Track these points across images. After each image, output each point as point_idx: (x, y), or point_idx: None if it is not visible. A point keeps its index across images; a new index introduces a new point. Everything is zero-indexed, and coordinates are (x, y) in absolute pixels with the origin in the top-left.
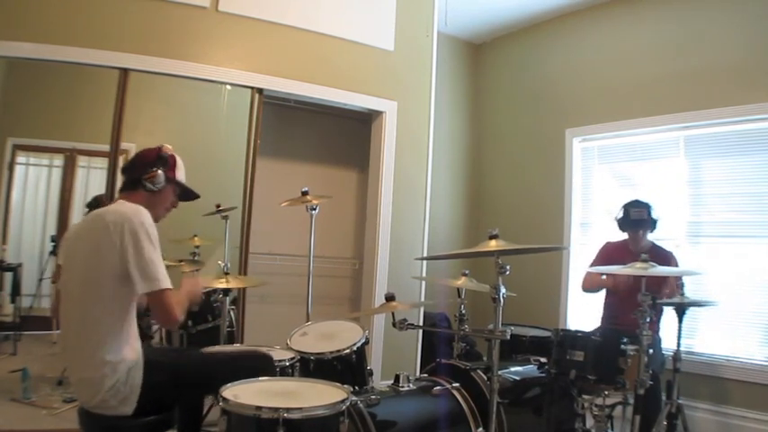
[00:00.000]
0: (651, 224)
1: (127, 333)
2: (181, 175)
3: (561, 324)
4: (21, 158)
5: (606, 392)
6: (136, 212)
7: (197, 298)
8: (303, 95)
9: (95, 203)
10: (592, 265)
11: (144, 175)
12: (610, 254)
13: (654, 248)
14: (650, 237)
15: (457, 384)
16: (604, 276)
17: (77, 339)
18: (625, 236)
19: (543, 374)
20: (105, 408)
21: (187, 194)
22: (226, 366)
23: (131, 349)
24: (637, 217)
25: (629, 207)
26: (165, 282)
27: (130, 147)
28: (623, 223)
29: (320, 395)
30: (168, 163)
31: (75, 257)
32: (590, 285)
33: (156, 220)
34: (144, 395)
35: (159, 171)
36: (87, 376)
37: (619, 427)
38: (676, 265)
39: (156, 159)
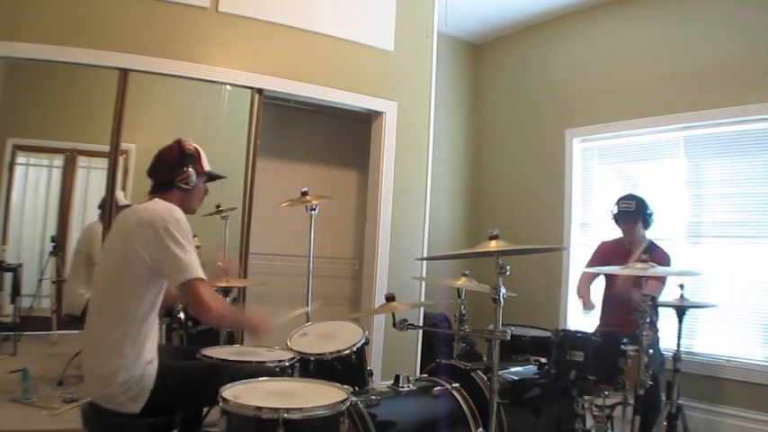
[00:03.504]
0: (642, 217)
1: (148, 330)
2: (206, 164)
3: (561, 324)
4: (21, 158)
5: (606, 393)
6: (169, 210)
7: (258, 325)
8: (303, 95)
9: (108, 205)
10: (587, 266)
11: (176, 176)
12: (604, 253)
13: (650, 246)
14: (650, 235)
15: (457, 384)
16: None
17: (100, 328)
18: (620, 234)
19: (543, 375)
20: (113, 402)
21: (212, 176)
22: (234, 379)
23: (150, 348)
24: (624, 208)
25: (619, 200)
26: (195, 272)
27: (130, 147)
28: (615, 218)
29: (320, 395)
30: (195, 158)
31: (106, 250)
32: (579, 293)
33: (192, 211)
34: (153, 397)
35: (191, 170)
36: (102, 365)
37: (619, 427)
38: (665, 264)
39: (182, 157)
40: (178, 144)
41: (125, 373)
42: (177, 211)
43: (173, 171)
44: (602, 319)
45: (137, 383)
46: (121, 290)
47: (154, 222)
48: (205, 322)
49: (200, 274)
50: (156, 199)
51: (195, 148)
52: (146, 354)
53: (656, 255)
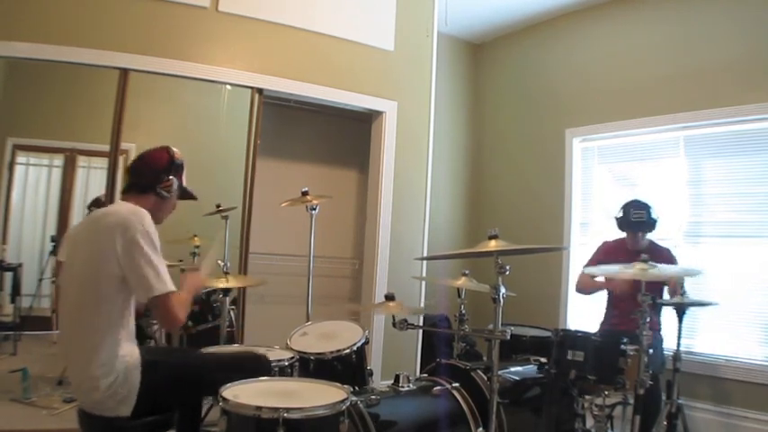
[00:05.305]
0: (651, 226)
1: (123, 335)
2: (184, 178)
3: (561, 324)
4: (21, 158)
5: (606, 392)
6: (137, 216)
7: (198, 292)
8: (303, 95)
9: (96, 204)
10: (588, 264)
11: (159, 183)
12: (607, 253)
13: (651, 246)
14: (648, 235)
15: (457, 384)
16: (600, 278)
17: (75, 340)
18: (622, 234)
19: (543, 374)
20: (103, 408)
21: (185, 194)
22: (224, 367)
23: (128, 351)
24: (637, 219)
25: (629, 208)
26: (166, 285)
27: (130, 147)
28: (623, 223)
29: (320, 395)
30: (180, 170)
31: (74, 258)
32: (583, 287)
33: (159, 221)
34: (142, 396)
35: (174, 179)
36: (84, 377)
37: (619, 427)
38: (674, 261)
39: (170, 166)
40: (167, 151)
41: (107, 380)
42: (145, 216)
43: (158, 176)
44: (604, 323)
45: (122, 386)
46: (93, 301)
47: (122, 229)
48: (168, 331)
49: (172, 287)
50: (122, 201)
51: (182, 161)
52: (125, 357)
53: (661, 256)
